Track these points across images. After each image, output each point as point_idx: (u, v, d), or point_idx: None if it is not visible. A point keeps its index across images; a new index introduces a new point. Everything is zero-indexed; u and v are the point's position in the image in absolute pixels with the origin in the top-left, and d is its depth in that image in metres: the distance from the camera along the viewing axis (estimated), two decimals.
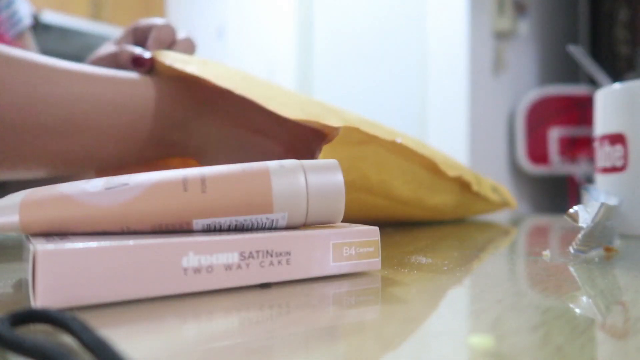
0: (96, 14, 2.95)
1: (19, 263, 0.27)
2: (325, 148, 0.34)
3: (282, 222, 0.22)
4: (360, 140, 0.36)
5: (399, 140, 0.38)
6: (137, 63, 0.41)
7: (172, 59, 0.39)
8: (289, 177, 0.22)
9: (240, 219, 0.21)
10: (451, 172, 0.44)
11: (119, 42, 0.46)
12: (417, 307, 0.18)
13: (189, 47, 0.45)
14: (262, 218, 0.21)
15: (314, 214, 0.22)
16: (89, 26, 2.83)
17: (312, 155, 0.43)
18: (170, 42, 0.44)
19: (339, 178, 0.23)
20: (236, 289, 0.20)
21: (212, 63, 0.39)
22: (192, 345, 0.14)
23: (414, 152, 0.41)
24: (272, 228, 0.22)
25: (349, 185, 0.38)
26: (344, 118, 0.37)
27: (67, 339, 0.14)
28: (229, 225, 0.21)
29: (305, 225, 0.23)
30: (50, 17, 2.59)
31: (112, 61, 0.43)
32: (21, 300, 0.19)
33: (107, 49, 0.45)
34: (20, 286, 0.21)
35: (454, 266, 0.26)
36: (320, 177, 0.22)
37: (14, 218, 0.19)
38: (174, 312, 0.17)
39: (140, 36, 0.46)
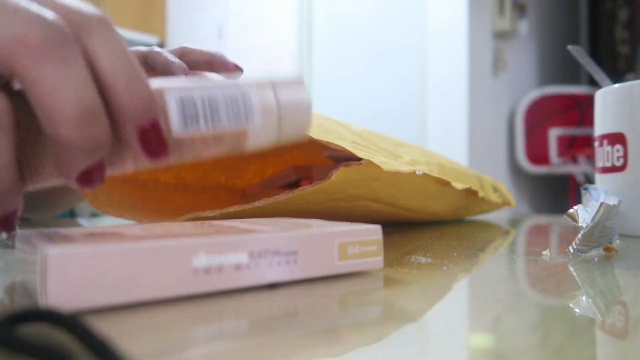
0: None
1: (17, 262, 0.27)
2: (342, 170, 0.34)
3: (256, 108, 0.21)
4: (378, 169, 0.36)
5: (419, 172, 0.38)
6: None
7: None
8: (259, 86, 0.21)
9: (215, 91, 0.20)
10: (460, 186, 0.44)
11: None
12: (418, 307, 0.18)
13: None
14: (236, 91, 0.20)
15: (285, 123, 0.22)
16: None
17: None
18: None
19: (304, 92, 0.22)
20: (244, 290, 0.20)
21: None
22: (201, 346, 0.14)
23: (431, 177, 0.41)
24: (247, 120, 0.21)
25: (356, 196, 0.37)
26: (360, 135, 0.37)
27: (67, 339, 0.14)
28: (203, 101, 0.20)
29: (276, 140, 0.22)
30: None
31: None
32: (21, 300, 0.18)
33: None
34: (21, 286, 0.21)
35: (454, 266, 0.26)
36: (288, 90, 0.22)
37: None
38: (184, 313, 0.17)
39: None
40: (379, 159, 0.35)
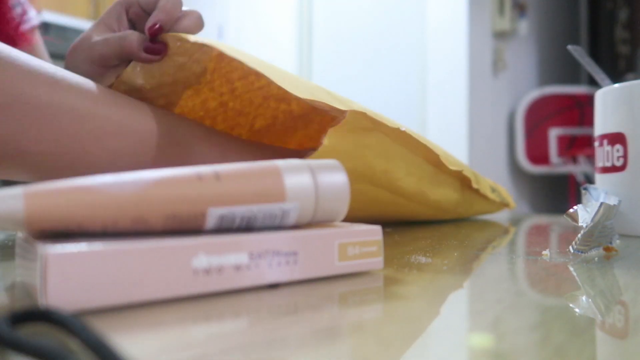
0: (96, 14, 2.94)
1: (17, 262, 0.27)
2: (331, 132, 0.34)
3: (293, 216, 0.22)
4: (365, 127, 0.36)
5: (403, 128, 0.38)
6: (151, 51, 0.36)
7: (194, 38, 0.35)
8: (298, 174, 0.22)
9: (254, 208, 0.21)
10: (452, 167, 0.45)
11: (106, 22, 0.39)
12: (418, 307, 0.18)
13: (197, 21, 0.38)
14: (275, 208, 0.21)
15: (321, 211, 0.22)
16: (88, 26, 2.83)
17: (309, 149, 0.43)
18: (178, 16, 0.37)
19: (343, 177, 0.23)
20: (244, 290, 0.20)
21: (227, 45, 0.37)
22: (201, 346, 0.14)
23: (417, 143, 0.41)
24: (281, 225, 0.22)
25: (351, 173, 0.37)
26: (349, 106, 0.37)
27: (67, 339, 0.14)
28: (242, 217, 0.21)
29: (309, 224, 0.23)
30: (50, 17, 2.59)
31: (119, 46, 0.36)
32: (21, 300, 0.18)
33: (98, 32, 0.38)
34: (21, 286, 0.21)
35: (454, 266, 0.26)
36: (327, 175, 0.23)
37: (17, 208, 0.17)
38: (184, 313, 0.17)
39: (138, 12, 0.39)
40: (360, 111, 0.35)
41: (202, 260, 0.19)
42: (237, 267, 0.20)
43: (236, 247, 0.20)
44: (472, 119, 2.13)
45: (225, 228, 0.21)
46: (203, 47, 0.37)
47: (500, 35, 2.28)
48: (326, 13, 2.58)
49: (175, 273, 0.18)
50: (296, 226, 0.23)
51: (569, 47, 0.46)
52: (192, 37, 0.35)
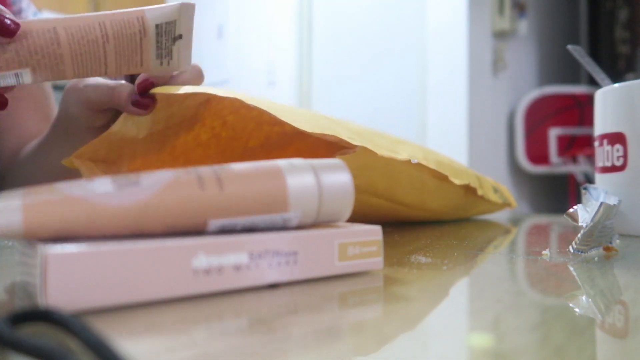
0: None
1: (17, 262, 0.27)
2: (338, 157, 0.34)
3: (294, 222, 0.22)
4: (373, 156, 0.36)
5: (414, 161, 0.38)
6: (139, 105, 0.35)
7: (184, 89, 0.34)
8: (301, 176, 0.21)
9: (257, 219, 0.20)
10: (459, 182, 0.44)
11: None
12: (418, 307, 0.18)
13: (197, 75, 0.38)
14: (277, 218, 0.21)
15: (324, 213, 0.22)
16: None
17: None
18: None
19: (347, 177, 0.23)
20: (244, 290, 0.20)
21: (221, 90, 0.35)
22: (201, 346, 0.14)
23: (427, 168, 0.41)
24: (283, 228, 0.22)
25: (355, 188, 0.38)
26: (357, 132, 0.37)
27: (67, 339, 0.14)
28: (243, 226, 0.20)
29: (312, 225, 0.23)
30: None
31: (108, 95, 0.36)
32: (21, 300, 0.18)
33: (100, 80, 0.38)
34: (21, 286, 0.21)
35: (454, 265, 0.26)
36: (330, 176, 0.22)
37: (16, 221, 0.17)
38: (184, 313, 0.17)
39: None
40: (370, 146, 0.35)
41: (202, 261, 0.19)
42: (237, 267, 0.20)
43: (236, 247, 0.20)
44: (472, 119, 2.13)
45: (226, 232, 0.21)
46: (193, 95, 0.36)
47: (500, 35, 2.28)
48: (326, 13, 2.58)
49: (175, 273, 0.18)
50: (297, 226, 0.23)
51: (569, 47, 0.46)
52: (182, 89, 0.34)
